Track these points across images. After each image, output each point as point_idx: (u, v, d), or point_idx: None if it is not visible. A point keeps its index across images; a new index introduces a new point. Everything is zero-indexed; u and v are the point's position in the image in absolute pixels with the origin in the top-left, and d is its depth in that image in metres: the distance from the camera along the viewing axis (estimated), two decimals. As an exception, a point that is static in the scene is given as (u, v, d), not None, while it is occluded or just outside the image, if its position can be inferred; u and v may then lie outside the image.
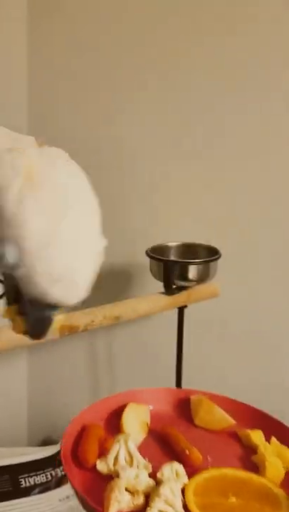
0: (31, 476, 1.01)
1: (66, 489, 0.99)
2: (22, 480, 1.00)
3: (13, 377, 1.17)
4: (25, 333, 0.45)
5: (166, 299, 0.85)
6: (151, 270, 0.88)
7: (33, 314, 0.43)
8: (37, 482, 1.00)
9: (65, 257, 0.39)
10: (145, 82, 1.00)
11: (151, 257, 0.86)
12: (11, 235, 0.37)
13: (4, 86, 1.06)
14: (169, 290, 0.85)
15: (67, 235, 0.39)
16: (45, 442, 1.17)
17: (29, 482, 1.00)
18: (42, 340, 0.57)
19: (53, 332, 0.47)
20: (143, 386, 1.07)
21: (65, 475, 1.02)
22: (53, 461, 1.05)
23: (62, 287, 0.40)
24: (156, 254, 0.87)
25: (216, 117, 0.95)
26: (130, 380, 1.10)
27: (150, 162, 1.01)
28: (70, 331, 0.74)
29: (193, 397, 0.65)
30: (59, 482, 1.00)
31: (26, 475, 1.01)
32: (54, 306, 0.43)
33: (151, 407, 0.65)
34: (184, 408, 0.65)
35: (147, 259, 0.87)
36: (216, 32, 0.92)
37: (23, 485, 0.99)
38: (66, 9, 1.05)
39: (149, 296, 0.85)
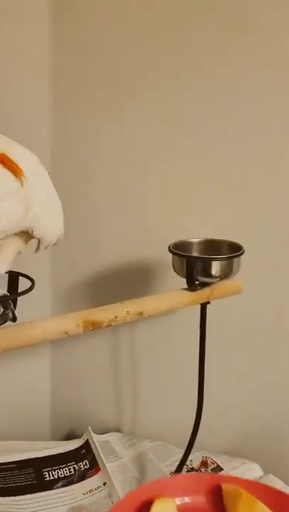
0: (55, 470, 1.02)
1: (89, 483, 1.00)
2: (46, 473, 1.01)
3: (36, 371, 1.18)
4: None
5: (189, 295, 0.85)
6: (173, 266, 0.87)
7: None
8: (60, 475, 1.01)
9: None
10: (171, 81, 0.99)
11: (173, 253, 0.85)
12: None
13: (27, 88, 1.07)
14: (192, 286, 0.84)
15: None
16: (68, 437, 1.19)
17: (53, 475, 1.01)
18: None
19: None
20: (163, 382, 1.08)
21: (88, 469, 1.03)
22: (75, 455, 1.06)
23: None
24: (179, 250, 0.87)
25: (235, 113, 0.94)
26: (152, 375, 1.11)
27: (170, 157, 1.01)
28: (94, 326, 0.75)
29: (226, 487, 0.61)
30: (82, 476, 1.01)
31: (50, 468, 1.02)
32: None
33: (178, 502, 0.60)
34: (216, 498, 0.61)
35: (169, 255, 0.87)
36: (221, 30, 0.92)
37: (47, 478, 1.00)
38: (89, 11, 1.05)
39: (172, 292, 0.85)
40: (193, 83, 0.97)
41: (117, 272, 1.07)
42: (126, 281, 1.04)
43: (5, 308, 0.67)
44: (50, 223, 0.67)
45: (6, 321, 0.68)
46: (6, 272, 0.70)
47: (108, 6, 1.03)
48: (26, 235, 0.66)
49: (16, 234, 0.63)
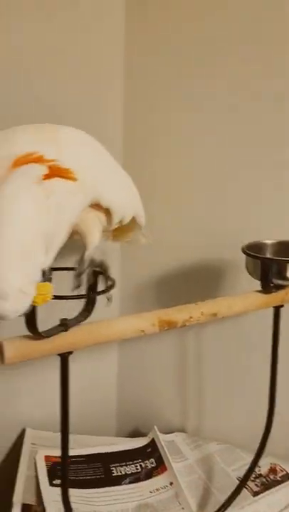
0: (122, 466, 1.04)
1: (156, 482, 1.00)
2: (113, 468, 1.03)
3: (103, 368, 1.21)
4: None
5: (263, 298, 0.83)
6: (247, 268, 0.86)
7: None
8: (127, 472, 1.03)
9: None
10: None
11: (247, 254, 0.84)
12: None
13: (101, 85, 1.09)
14: (266, 288, 0.83)
15: None
16: (133, 434, 1.20)
17: (120, 471, 1.03)
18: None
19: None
20: (232, 384, 1.07)
21: (154, 468, 1.04)
22: (142, 453, 1.07)
23: None
24: (252, 251, 0.85)
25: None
26: (220, 377, 1.10)
27: (244, 158, 1.00)
28: (169, 326, 0.75)
29: None
30: (149, 474, 1.02)
31: (117, 464, 1.04)
32: None
33: None
34: None
35: (242, 256, 0.86)
36: None
37: (115, 473, 1.02)
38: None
39: (246, 294, 0.84)
40: (273, 83, 0.95)
41: (187, 272, 1.07)
42: (197, 282, 1.04)
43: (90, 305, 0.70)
44: (116, 192, 0.69)
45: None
46: (87, 268, 0.72)
47: (178, 7, 1.03)
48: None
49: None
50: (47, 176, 0.56)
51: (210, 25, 1.00)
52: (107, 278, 0.72)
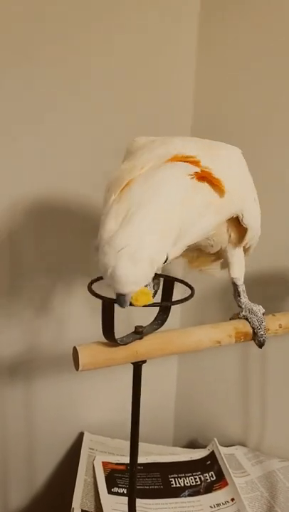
0: (180, 477, 1.01)
1: (217, 496, 0.97)
2: (172, 480, 1.00)
3: (162, 376, 1.18)
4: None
5: None
6: None
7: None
8: (186, 484, 0.99)
9: (112, 260, 0.53)
10: None
11: None
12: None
13: (172, 86, 1.07)
14: None
15: (117, 243, 0.53)
16: (190, 445, 1.17)
17: (179, 483, 1.00)
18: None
19: (141, 302, 0.58)
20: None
21: (214, 481, 1.00)
22: (201, 465, 1.04)
23: (112, 279, 0.54)
24: None
25: None
26: (284, 391, 1.05)
27: None
28: (246, 338, 0.72)
29: None
30: (209, 488, 0.99)
31: (176, 475, 1.01)
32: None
33: None
34: None
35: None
36: None
37: (174, 485, 0.99)
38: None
39: None
40: None
41: (254, 281, 1.02)
42: (260, 292, 1.00)
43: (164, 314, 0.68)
44: (254, 211, 0.70)
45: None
46: (162, 277, 0.70)
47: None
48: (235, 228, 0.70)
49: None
50: (199, 177, 0.58)
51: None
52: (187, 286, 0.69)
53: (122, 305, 0.56)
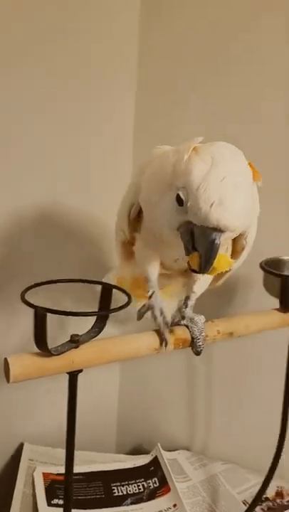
0: (123, 485, 0.99)
1: (159, 503, 0.96)
2: (114, 488, 0.98)
3: (104, 382, 1.16)
4: (199, 265, 0.59)
5: (281, 316, 0.79)
6: (265, 285, 0.83)
7: (204, 244, 0.58)
8: (129, 492, 0.98)
9: (217, 190, 0.56)
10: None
11: (267, 272, 0.80)
12: (183, 182, 0.58)
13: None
14: (286, 307, 0.79)
15: (217, 176, 0.56)
16: (134, 451, 1.16)
17: (121, 491, 0.98)
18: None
19: (221, 267, 0.60)
20: (241, 403, 1.02)
21: (157, 488, 0.99)
22: (144, 472, 1.03)
23: (218, 211, 0.56)
24: (271, 267, 0.81)
25: None
26: (229, 395, 1.06)
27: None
28: (184, 344, 0.71)
29: None
30: (152, 495, 0.98)
31: (118, 483, 1.00)
32: (218, 231, 0.57)
33: None
34: None
35: (256, 272, 0.82)
36: None
37: (116, 493, 0.97)
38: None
39: (263, 313, 0.80)
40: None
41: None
42: (208, 298, 1.00)
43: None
44: (255, 229, 0.73)
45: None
46: (100, 284, 0.68)
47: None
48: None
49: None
50: (254, 178, 0.61)
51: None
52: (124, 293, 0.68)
53: (215, 247, 0.57)
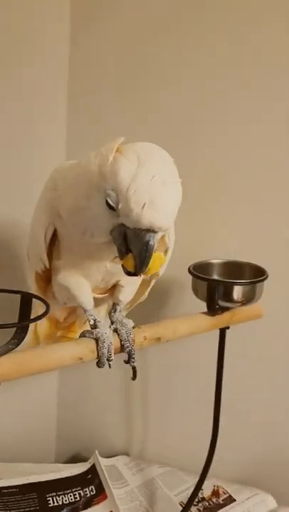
0: (59, 495, 0.98)
1: (96, 511, 0.95)
2: (50, 499, 0.96)
3: (43, 391, 1.14)
4: (134, 267, 0.59)
5: (209, 320, 0.80)
6: (193, 288, 0.83)
7: (138, 246, 0.57)
8: (65, 502, 0.96)
9: (147, 190, 0.55)
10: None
11: (194, 275, 0.81)
12: (111, 184, 0.56)
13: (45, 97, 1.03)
14: (212, 310, 0.80)
15: (145, 176, 0.55)
16: (74, 459, 1.14)
17: (57, 501, 0.96)
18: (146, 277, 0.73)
19: (155, 267, 0.60)
20: (176, 406, 1.03)
21: (94, 496, 0.98)
22: (81, 480, 1.01)
23: (150, 213, 0.55)
24: (199, 271, 0.82)
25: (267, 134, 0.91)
26: (165, 399, 1.06)
27: (190, 176, 0.97)
28: (115, 351, 0.70)
29: None
30: (88, 503, 0.97)
31: (54, 494, 0.98)
32: (151, 232, 0.57)
33: None
34: None
35: (188, 276, 0.83)
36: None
37: (51, 504, 0.95)
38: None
39: (191, 317, 0.81)
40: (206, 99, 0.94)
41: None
42: (143, 304, 1.00)
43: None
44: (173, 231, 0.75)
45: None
46: (19, 294, 0.66)
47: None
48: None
49: None
50: None
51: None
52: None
53: (150, 248, 0.56)
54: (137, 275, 0.60)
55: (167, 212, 0.56)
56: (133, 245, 0.58)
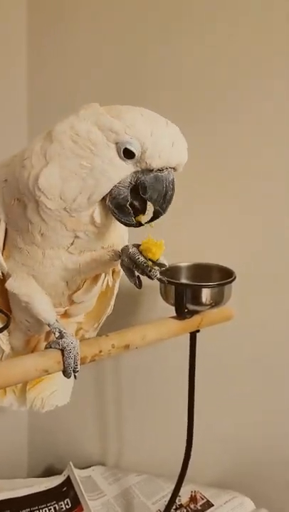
0: (34, 511, 0.95)
1: (71, 525, 0.93)
2: (24, 515, 0.93)
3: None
4: (157, 210, 0.64)
5: (178, 324, 0.79)
6: (161, 292, 0.82)
7: (160, 185, 0.61)
8: (40, 517, 0.94)
9: (168, 132, 0.60)
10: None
11: (159, 280, 0.80)
12: (129, 134, 0.59)
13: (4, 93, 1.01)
14: (181, 314, 0.79)
15: (161, 121, 0.60)
16: (48, 471, 1.11)
17: (31, 517, 0.94)
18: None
19: (160, 252, 0.66)
20: (151, 413, 1.02)
21: (69, 509, 0.96)
22: (56, 494, 0.99)
23: (176, 150, 0.60)
24: (167, 275, 0.81)
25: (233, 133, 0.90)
26: (139, 406, 1.05)
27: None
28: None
29: None
30: (63, 517, 0.94)
31: (28, 510, 0.95)
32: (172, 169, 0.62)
33: None
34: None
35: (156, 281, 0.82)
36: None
37: (25, 521, 0.93)
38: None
39: (159, 322, 0.80)
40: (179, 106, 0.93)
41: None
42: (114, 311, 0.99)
43: None
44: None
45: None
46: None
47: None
48: None
49: None
50: None
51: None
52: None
53: (174, 184, 0.60)
54: (159, 216, 0.64)
55: (186, 149, 0.61)
56: (152, 189, 0.61)
